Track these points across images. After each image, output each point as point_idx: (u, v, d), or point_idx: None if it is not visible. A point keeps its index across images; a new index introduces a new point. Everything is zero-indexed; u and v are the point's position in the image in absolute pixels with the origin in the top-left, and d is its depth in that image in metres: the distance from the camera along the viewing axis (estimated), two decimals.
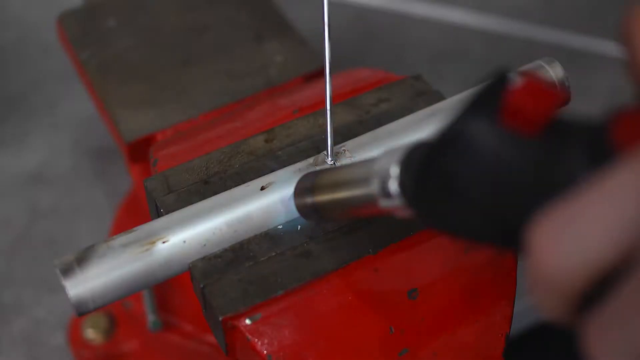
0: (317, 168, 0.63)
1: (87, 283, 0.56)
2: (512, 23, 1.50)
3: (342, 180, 0.54)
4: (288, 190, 0.62)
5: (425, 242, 0.62)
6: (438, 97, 0.71)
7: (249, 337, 0.57)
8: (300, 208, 0.61)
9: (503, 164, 0.39)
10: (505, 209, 0.39)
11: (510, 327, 0.62)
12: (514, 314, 0.62)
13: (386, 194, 0.47)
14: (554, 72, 0.69)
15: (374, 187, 0.48)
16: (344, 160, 0.63)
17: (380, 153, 0.49)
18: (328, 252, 0.60)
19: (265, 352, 0.56)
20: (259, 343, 0.57)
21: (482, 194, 0.39)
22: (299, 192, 0.61)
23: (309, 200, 0.59)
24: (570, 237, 0.34)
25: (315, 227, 0.62)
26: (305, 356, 0.57)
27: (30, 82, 1.43)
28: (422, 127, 0.66)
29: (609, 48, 1.46)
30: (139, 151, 0.84)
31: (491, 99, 0.39)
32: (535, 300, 0.36)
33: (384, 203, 0.48)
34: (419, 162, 0.43)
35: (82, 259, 0.56)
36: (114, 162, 1.31)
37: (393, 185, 0.46)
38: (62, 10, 0.99)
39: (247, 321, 0.57)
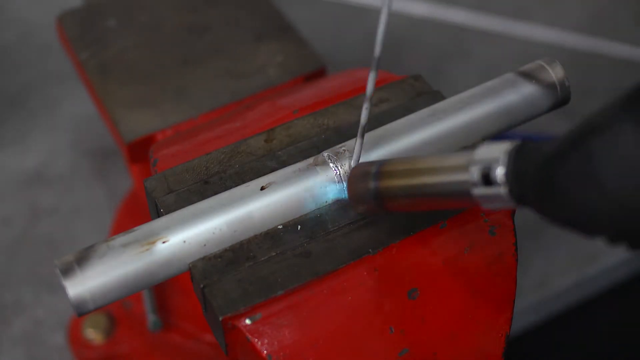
0: (318, 168, 0.63)
1: (87, 283, 0.56)
2: (512, 23, 1.50)
3: (426, 166, 0.55)
4: (289, 190, 0.62)
5: (425, 242, 0.62)
6: (438, 97, 0.71)
7: (249, 337, 0.57)
8: (356, 194, 0.60)
9: None
10: None
11: (510, 327, 0.62)
12: (514, 314, 0.62)
13: (488, 181, 0.49)
14: (554, 72, 0.69)
15: (471, 174, 0.49)
16: (344, 161, 0.63)
17: (474, 147, 0.51)
18: (328, 252, 0.60)
19: (265, 352, 0.56)
20: (259, 343, 0.57)
21: (628, 190, 0.41)
22: (357, 176, 0.60)
23: (371, 184, 0.58)
24: None
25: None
26: (305, 356, 0.57)
27: (30, 82, 1.43)
28: (422, 127, 0.66)
29: (609, 48, 1.45)
30: (139, 151, 0.85)
31: None
32: None
33: (478, 191, 0.49)
34: (563, 141, 0.44)
35: (82, 259, 0.56)
36: (114, 162, 1.32)
37: (500, 172, 0.48)
38: (62, 10, 0.99)
39: (247, 321, 0.57)
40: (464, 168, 0.50)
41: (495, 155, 0.48)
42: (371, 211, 0.61)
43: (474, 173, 0.49)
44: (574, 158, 0.43)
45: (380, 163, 0.58)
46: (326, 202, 0.63)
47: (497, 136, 0.67)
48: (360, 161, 0.62)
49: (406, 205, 0.58)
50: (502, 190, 0.48)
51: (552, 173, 0.45)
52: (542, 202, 0.46)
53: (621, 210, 0.41)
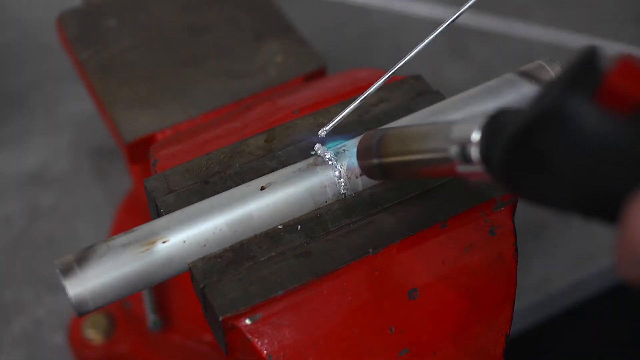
0: (318, 168, 0.63)
1: (87, 283, 0.56)
2: (512, 23, 1.50)
3: (414, 142, 0.54)
4: (289, 190, 0.62)
5: (425, 242, 0.62)
6: (438, 97, 0.71)
7: (249, 337, 0.57)
8: (365, 168, 0.61)
9: (601, 142, 0.40)
10: (599, 185, 0.41)
11: (510, 327, 0.61)
12: (514, 314, 0.62)
13: (466, 159, 0.48)
14: (554, 72, 0.69)
15: (452, 151, 0.49)
16: (344, 161, 0.63)
17: (456, 118, 0.50)
18: (328, 252, 0.60)
19: (265, 352, 0.56)
20: (259, 343, 0.57)
21: (577, 169, 0.41)
22: (362, 152, 0.61)
23: (374, 160, 0.59)
24: None
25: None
26: (305, 356, 0.57)
27: (30, 82, 1.43)
28: None
29: (609, 48, 1.45)
30: (139, 151, 0.84)
31: (588, 77, 0.41)
32: (620, 266, 0.39)
33: (462, 168, 0.49)
34: (511, 135, 0.44)
35: (82, 259, 0.56)
36: (114, 162, 1.32)
37: (474, 152, 0.47)
38: (62, 10, 0.99)
39: (247, 321, 0.57)
40: (445, 147, 0.50)
41: (469, 134, 0.47)
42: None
43: (453, 153, 0.49)
44: (523, 151, 0.43)
45: (379, 137, 0.58)
46: (326, 202, 0.63)
47: None
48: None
49: (409, 176, 0.59)
50: (480, 168, 0.47)
51: (506, 164, 0.44)
52: (507, 185, 0.46)
53: (579, 196, 0.42)
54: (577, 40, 1.47)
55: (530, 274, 1.19)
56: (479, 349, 0.60)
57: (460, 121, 0.49)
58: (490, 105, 0.67)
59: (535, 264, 1.20)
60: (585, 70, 0.41)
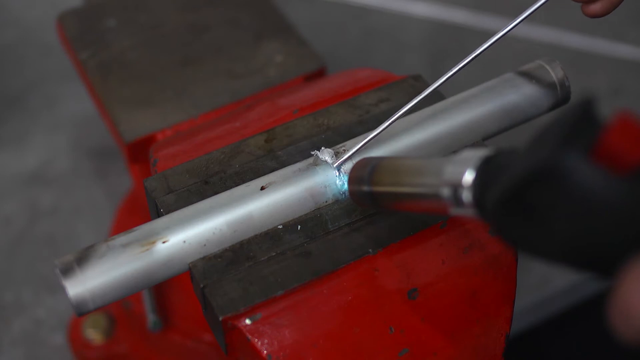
0: (318, 168, 0.63)
1: (87, 283, 0.56)
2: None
3: (407, 175, 0.54)
4: (289, 190, 0.62)
5: (425, 242, 0.62)
6: (438, 97, 0.71)
7: (249, 337, 0.57)
8: (355, 195, 0.61)
9: (597, 200, 0.39)
10: (593, 242, 0.40)
11: (510, 327, 0.62)
12: (514, 314, 0.62)
13: (458, 202, 0.47)
14: (554, 72, 0.69)
15: (444, 194, 0.48)
16: (344, 162, 0.63)
17: (450, 156, 0.50)
18: (328, 252, 0.60)
19: (265, 352, 0.56)
20: (259, 343, 0.57)
21: (570, 225, 0.40)
22: (354, 180, 0.61)
23: (365, 188, 0.59)
24: None
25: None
26: (305, 356, 0.57)
27: (30, 82, 1.43)
28: (422, 127, 0.66)
29: (609, 48, 1.46)
30: (139, 151, 0.84)
31: (584, 131, 0.40)
32: (615, 329, 0.38)
33: (454, 210, 0.48)
34: (504, 189, 0.43)
35: (82, 259, 0.56)
36: (114, 162, 1.32)
37: (466, 196, 0.47)
38: (62, 10, 0.99)
39: (247, 321, 0.57)
40: (437, 184, 0.49)
41: (461, 177, 0.47)
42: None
43: (445, 195, 0.48)
44: (516, 205, 0.42)
45: (372, 168, 0.58)
46: (326, 202, 0.63)
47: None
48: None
49: (398, 209, 0.58)
50: (472, 212, 0.47)
51: (498, 217, 0.44)
52: (499, 235, 0.45)
53: (571, 250, 0.41)
54: (577, 40, 1.47)
55: (530, 274, 1.19)
56: (479, 349, 0.60)
57: (453, 162, 0.49)
58: (491, 105, 0.67)
59: (535, 264, 1.20)
60: (581, 123, 0.40)
